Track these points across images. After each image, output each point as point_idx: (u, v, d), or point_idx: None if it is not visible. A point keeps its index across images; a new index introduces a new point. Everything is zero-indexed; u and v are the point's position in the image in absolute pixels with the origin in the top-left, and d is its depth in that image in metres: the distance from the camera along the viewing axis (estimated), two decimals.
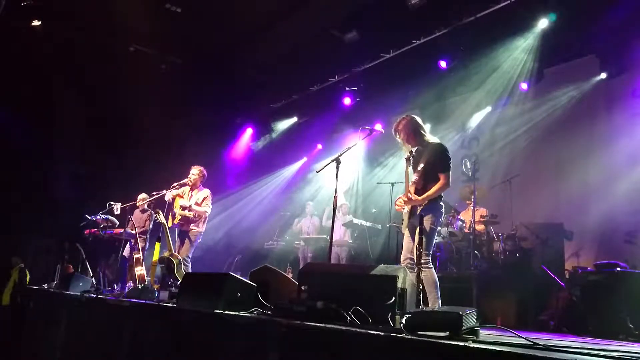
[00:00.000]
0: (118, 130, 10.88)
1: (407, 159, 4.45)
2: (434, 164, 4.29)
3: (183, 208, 6.74)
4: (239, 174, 12.29)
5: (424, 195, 4.24)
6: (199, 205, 6.82)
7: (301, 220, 10.07)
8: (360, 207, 10.46)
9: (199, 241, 6.88)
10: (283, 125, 12.16)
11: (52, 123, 10.75)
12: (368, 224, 8.91)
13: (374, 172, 10.79)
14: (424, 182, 4.30)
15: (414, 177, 4.39)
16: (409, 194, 4.31)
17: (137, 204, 7.96)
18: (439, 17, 7.84)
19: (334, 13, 8.59)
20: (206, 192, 6.95)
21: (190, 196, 6.88)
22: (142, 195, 7.99)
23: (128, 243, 7.85)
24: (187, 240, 6.73)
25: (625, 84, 7.67)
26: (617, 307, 4.96)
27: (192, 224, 6.74)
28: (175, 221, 6.77)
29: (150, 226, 8.00)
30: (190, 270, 6.59)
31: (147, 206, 7.92)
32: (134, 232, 7.62)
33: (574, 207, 7.43)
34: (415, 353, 2.31)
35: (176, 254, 6.36)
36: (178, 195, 6.86)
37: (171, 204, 6.88)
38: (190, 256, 6.73)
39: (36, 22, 8.92)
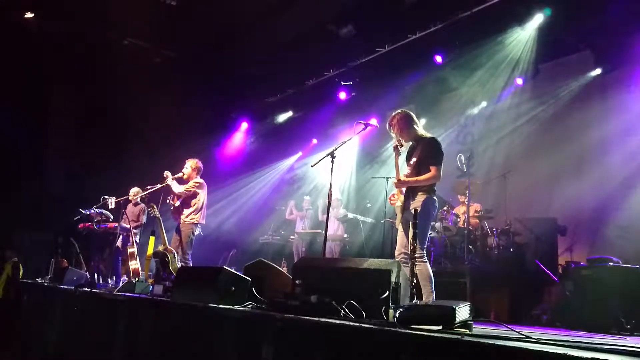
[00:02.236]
0: (112, 124, 10.83)
1: (395, 147, 4.51)
2: (426, 157, 4.33)
3: (175, 208, 6.72)
4: (234, 168, 12.26)
5: (413, 178, 4.31)
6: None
7: (295, 212, 10.09)
8: (354, 202, 10.47)
9: (196, 233, 6.75)
10: (278, 119, 12.14)
11: (45, 117, 10.70)
12: (363, 218, 8.93)
13: (369, 166, 10.80)
14: (415, 176, 4.34)
15: (406, 171, 4.43)
16: (399, 177, 4.38)
17: (130, 198, 7.92)
18: (434, 12, 7.83)
19: (330, 7, 8.56)
20: (196, 180, 6.86)
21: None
22: (134, 190, 7.96)
23: (120, 237, 7.82)
24: (180, 234, 6.66)
25: (620, 80, 7.69)
26: (610, 302, 5.00)
27: (181, 216, 6.69)
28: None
29: (144, 220, 7.96)
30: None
31: (140, 200, 7.88)
32: (128, 226, 7.60)
33: (568, 203, 7.47)
34: (409, 347, 2.32)
35: (170, 247, 6.34)
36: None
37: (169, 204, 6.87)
38: (188, 252, 6.60)
39: (29, 15, 8.84)
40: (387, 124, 4.62)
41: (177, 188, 6.68)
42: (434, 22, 7.94)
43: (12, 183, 10.01)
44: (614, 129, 7.41)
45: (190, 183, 6.77)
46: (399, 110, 4.60)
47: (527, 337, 2.39)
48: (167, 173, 6.77)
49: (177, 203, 6.77)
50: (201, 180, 6.87)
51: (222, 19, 9.03)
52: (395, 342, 2.38)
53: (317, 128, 11.74)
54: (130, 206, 8.01)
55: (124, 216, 7.63)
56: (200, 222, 6.79)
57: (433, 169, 4.28)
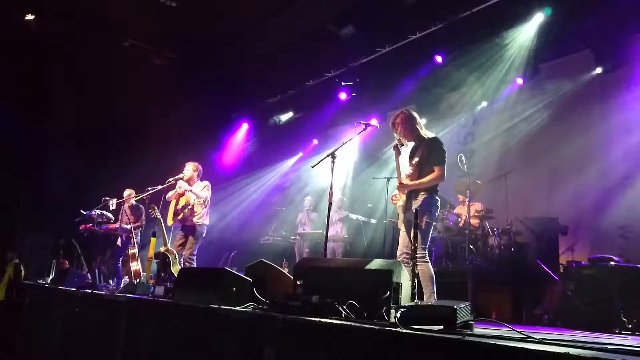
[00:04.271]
0: (113, 125, 10.85)
1: (395, 147, 4.50)
2: (429, 157, 4.32)
3: (186, 205, 6.71)
4: (235, 168, 12.28)
5: (417, 182, 4.28)
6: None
7: (298, 215, 10.08)
8: (355, 202, 10.46)
9: (204, 234, 6.79)
10: (279, 120, 12.14)
11: (47, 118, 10.72)
12: (364, 218, 8.92)
13: (370, 166, 10.79)
14: (418, 176, 4.33)
15: (408, 171, 4.41)
16: (401, 180, 4.36)
17: (126, 200, 7.88)
18: (434, 12, 7.83)
19: (330, 8, 8.57)
20: (205, 182, 6.93)
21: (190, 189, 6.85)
22: (128, 192, 7.95)
23: (120, 238, 7.83)
24: (191, 235, 6.66)
25: (621, 79, 7.68)
26: (611, 301, 4.99)
27: (194, 217, 6.71)
28: (170, 222, 6.76)
29: (144, 221, 7.93)
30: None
31: (138, 201, 7.84)
32: (128, 227, 7.60)
33: (569, 202, 7.46)
34: (410, 347, 2.32)
35: (171, 249, 6.34)
36: (179, 194, 6.83)
37: (169, 202, 6.87)
38: (195, 252, 6.64)
39: (30, 17, 8.85)
40: (390, 123, 4.61)
41: (202, 194, 6.69)
42: (434, 22, 7.94)
43: (13, 184, 10.03)
44: (615, 128, 7.41)
45: (203, 187, 6.80)
46: (403, 110, 4.59)
47: (528, 336, 2.39)
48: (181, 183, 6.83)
49: (189, 205, 6.78)
50: (208, 183, 6.92)
51: (222, 20, 9.03)
52: (396, 342, 2.38)
53: (317, 128, 11.74)
54: (126, 208, 7.99)
55: (125, 217, 7.64)
56: (207, 222, 6.83)
57: (437, 169, 4.27)
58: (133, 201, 7.87)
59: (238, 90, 11.32)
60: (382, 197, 8.51)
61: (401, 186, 4.36)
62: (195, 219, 6.67)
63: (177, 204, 6.80)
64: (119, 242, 7.85)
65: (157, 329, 4.03)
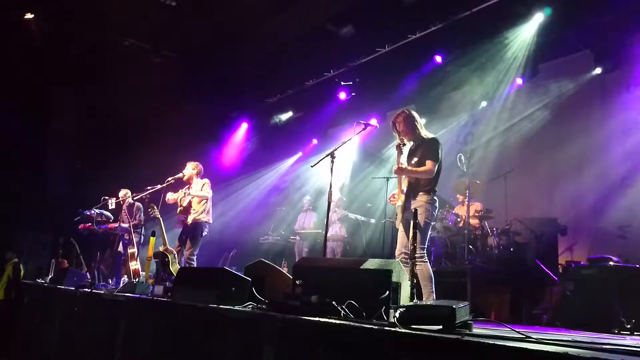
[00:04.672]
0: (113, 125, 10.85)
1: (398, 146, 4.56)
2: (426, 157, 4.35)
3: (184, 207, 6.71)
4: (234, 168, 12.28)
5: (414, 168, 4.35)
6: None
7: (299, 215, 10.09)
8: (355, 202, 10.47)
9: (205, 233, 6.78)
10: (278, 120, 12.14)
11: (46, 118, 10.72)
12: (363, 218, 8.93)
13: (369, 166, 10.79)
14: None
15: None
16: (400, 164, 4.42)
17: (121, 200, 7.88)
18: (434, 12, 7.83)
19: (329, 7, 8.57)
20: (204, 180, 6.94)
21: (189, 193, 6.85)
22: (123, 192, 7.94)
23: (121, 237, 7.82)
24: (191, 235, 6.65)
25: (620, 79, 7.69)
26: (610, 301, 4.99)
27: (193, 215, 6.70)
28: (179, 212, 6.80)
29: (141, 217, 7.92)
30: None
31: (137, 200, 7.85)
32: (127, 226, 7.59)
33: (568, 202, 7.46)
34: (409, 347, 2.32)
35: (171, 248, 6.34)
36: (180, 198, 6.84)
37: (170, 205, 6.87)
38: (196, 252, 6.63)
39: (29, 15, 8.85)
40: (390, 122, 4.65)
41: (201, 193, 6.70)
42: (434, 22, 7.94)
43: (13, 184, 10.03)
44: (614, 128, 7.41)
45: (207, 187, 6.81)
46: (404, 110, 4.62)
47: (527, 337, 2.38)
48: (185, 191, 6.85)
49: (185, 203, 6.79)
50: (208, 180, 6.93)
51: (222, 20, 9.02)
52: (395, 342, 2.38)
53: (317, 128, 11.75)
54: (124, 207, 7.98)
55: (125, 216, 7.64)
56: (209, 221, 6.83)
57: (428, 163, 4.33)
58: (130, 200, 7.87)
59: (237, 90, 11.31)
60: (381, 196, 8.52)
61: (398, 170, 4.40)
62: (195, 217, 6.67)
63: (180, 205, 6.83)
64: (119, 242, 7.83)
65: (156, 329, 4.03)
